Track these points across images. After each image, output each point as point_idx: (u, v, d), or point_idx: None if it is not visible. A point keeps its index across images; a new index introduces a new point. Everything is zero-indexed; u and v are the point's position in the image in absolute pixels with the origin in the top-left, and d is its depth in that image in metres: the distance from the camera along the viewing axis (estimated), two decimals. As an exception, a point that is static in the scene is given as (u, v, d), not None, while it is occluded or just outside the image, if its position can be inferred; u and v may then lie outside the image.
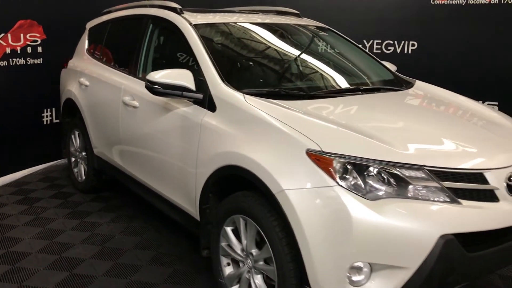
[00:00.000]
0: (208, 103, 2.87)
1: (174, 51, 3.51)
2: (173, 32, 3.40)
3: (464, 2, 6.56)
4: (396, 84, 3.53)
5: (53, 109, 5.50)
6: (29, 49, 5.13)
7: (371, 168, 2.21)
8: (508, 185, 2.36)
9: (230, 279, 2.75)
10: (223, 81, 2.88)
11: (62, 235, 3.81)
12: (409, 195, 2.19)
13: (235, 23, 3.60)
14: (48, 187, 4.89)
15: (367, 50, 7.20)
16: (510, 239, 2.34)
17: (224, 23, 3.55)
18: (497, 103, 6.45)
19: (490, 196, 2.32)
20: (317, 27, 4.05)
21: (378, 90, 3.32)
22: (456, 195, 2.24)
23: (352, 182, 2.18)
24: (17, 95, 5.09)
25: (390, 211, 2.11)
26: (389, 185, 2.19)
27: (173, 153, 3.12)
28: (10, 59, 4.95)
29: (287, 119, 2.47)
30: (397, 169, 2.21)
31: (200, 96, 2.91)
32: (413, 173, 2.21)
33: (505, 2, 6.14)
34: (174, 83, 2.89)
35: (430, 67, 6.82)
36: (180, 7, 3.53)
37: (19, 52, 5.02)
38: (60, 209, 4.34)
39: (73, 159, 4.85)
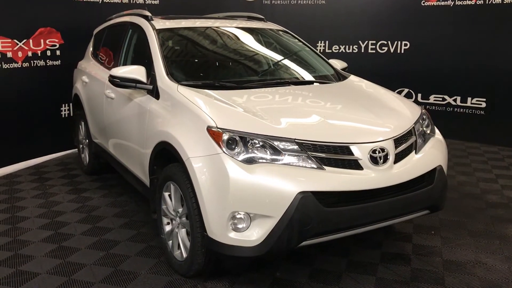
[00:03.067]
0: (155, 93, 3.56)
1: (144, 51, 4.23)
2: (143, 35, 4.11)
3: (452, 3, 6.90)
4: (329, 78, 4.09)
5: (70, 104, 6.37)
6: (48, 53, 6.02)
7: (253, 140, 2.81)
8: (371, 157, 2.89)
9: (168, 235, 3.41)
10: (167, 74, 3.56)
11: (59, 205, 4.61)
12: (281, 161, 2.77)
13: (194, 27, 4.28)
14: (60, 170, 5.75)
15: (349, 50, 7.69)
16: (371, 201, 2.86)
17: (184, 27, 4.24)
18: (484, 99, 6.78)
19: (355, 165, 2.87)
20: (275, 30, 4.65)
21: (308, 83, 3.91)
22: (322, 163, 2.80)
23: (236, 151, 2.79)
24: (39, 92, 5.98)
25: (262, 172, 2.71)
26: (266, 153, 2.79)
27: (133, 135, 3.84)
28: (32, 61, 5.85)
29: (200, 103, 3.12)
30: (273, 141, 2.80)
31: (150, 87, 3.60)
32: (285, 145, 2.80)
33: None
34: (129, 77, 3.60)
35: (423, 65, 7.22)
36: (150, 15, 4.25)
37: (39, 55, 5.91)
38: (64, 186, 5.16)
39: (80, 146, 5.68)
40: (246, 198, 2.71)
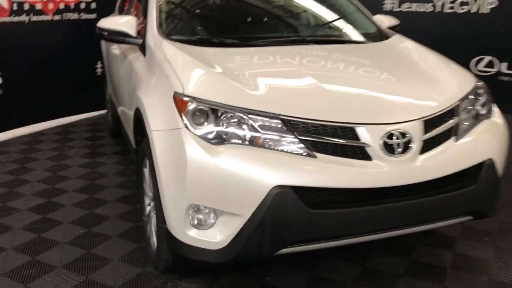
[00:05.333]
0: (145, 49, 2.98)
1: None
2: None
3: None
4: (366, 37, 3.26)
5: (105, 61, 6.01)
6: (82, 5, 5.63)
7: (226, 114, 2.16)
8: (386, 144, 2.13)
9: (147, 218, 2.89)
10: (158, 27, 2.95)
11: (67, 169, 4.26)
12: (258, 143, 2.11)
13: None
14: (87, 131, 5.44)
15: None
16: (379, 203, 2.13)
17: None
18: None
19: (360, 153, 2.13)
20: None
21: (334, 42, 3.12)
22: (314, 148, 2.10)
23: (206, 126, 2.16)
24: (72, 47, 5.63)
25: (230, 157, 2.07)
26: (240, 131, 2.13)
27: (125, 98, 3.32)
28: (64, 14, 5.49)
29: (176, 63, 2.50)
30: (251, 115, 2.13)
31: (140, 41, 3.03)
32: (267, 121, 2.12)
33: None
34: (117, 29, 3.04)
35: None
36: None
37: (72, 7, 5.53)
38: (83, 149, 4.82)
39: (108, 106, 5.31)
40: (208, 188, 2.09)
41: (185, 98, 2.22)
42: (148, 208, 2.88)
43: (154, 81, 2.58)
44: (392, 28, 3.66)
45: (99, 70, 6.00)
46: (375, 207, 2.12)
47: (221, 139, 2.12)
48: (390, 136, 2.15)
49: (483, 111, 2.57)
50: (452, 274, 2.73)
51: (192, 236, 2.17)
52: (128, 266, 2.79)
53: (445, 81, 2.61)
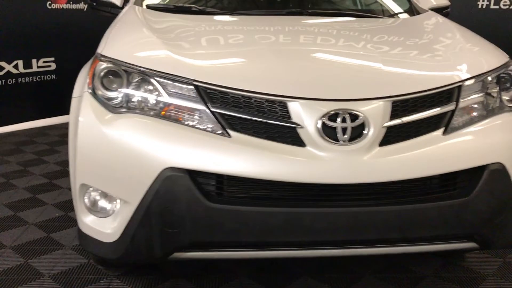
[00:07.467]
0: (125, 20, 2.71)
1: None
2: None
3: None
4: (388, 13, 2.66)
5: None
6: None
7: (137, 77, 1.77)
8: (325, 126, 1.57)
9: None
10: (140, -4, 2.66)
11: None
12: (163, 114, 1.68)
13: None
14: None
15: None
16: (300, 205, 1.57)
17: None
18: None
19: (290, 136, 1.60)
20: None
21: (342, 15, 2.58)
22: (231, 126, 1.62)
23: (116, 91, 1.78)
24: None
25: (122, 129, 1.68)
26: (149, 97, 1.73)
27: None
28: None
29: (116, 24, 2.20)
30: (162, 80, 1.71)
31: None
32: (178, 87, 1.69)
33: None
34: (101, -1, 2.82)
35: None
36: None
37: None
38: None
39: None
40: (98, 166, 1.70)
41: (102, 59, 1.86)
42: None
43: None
44: (442, 9, 2.98)
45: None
46: (303, 210, 1.56)
47: (127, 107, 1.73)
48: (333, 117, 1.58)
49: (508, 101, 1.86)
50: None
51: (88, 224, 1.80)
52: (75, 255, 2.49)
53: (455, 57, 1.95)
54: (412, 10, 2.73)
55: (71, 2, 5.12)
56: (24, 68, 4.83)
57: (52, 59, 5.04)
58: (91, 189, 1.76)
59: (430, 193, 1.66)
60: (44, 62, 5.00)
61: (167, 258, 1.67)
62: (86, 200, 1.79)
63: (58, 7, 5.02)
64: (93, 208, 1.79)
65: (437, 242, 1.74)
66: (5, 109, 4.74)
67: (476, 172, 1.66)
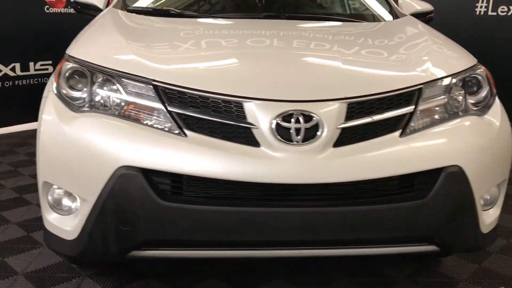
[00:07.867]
0: (106, 22, 2.75)
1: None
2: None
3: None
4: (364, 18, 2.69)
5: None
6: None
7: (100, 76, 1.80)
8: (279, 127, 1.59)
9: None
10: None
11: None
12: (123, 113, 1.71)
13: None
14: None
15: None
16: (252, 204, 1.59)
17: None
18: None
19: (245, 136, 1.62)
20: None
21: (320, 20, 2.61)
22: (187, 126, 1.64)
23: (84, 92, 1.82)
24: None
25: (82, 127, 1.72)
26: (110, 96, 1.76)
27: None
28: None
29: (90, 26, 2.23)
30: (123, 79, 1.75)
31: (105, 15, 2.79)
32: (137, 86, 1.73)
33: None
34: (85, 2, 2.86)
35: None
36: None
37: None
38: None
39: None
40: (59, 164, 1.74)
41: (68, 59, 1.91)
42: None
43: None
44: (425, 14, 2.99)
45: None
46: (255, 210, 1.58)
47: (89, 106, 1.77)
48: (288, 117, 1.60)
49: (473, 105, 1.86)
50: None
51: (51, 221, 1.83)
52: (52, 255, 2.51)
53: (418, 60, 1.95)
54: (392, 15, 2.74)
55: (69, 7, 5.20)
56: (21, 71, 4.91)
57: (50, 62, 5.12)
58: (54, 187, 1.80)
59: (386, 194, 1.66)
60: (41, 65, 5.08)
61: (125, 256, 1.69)
62: (50, 198, 1.82)
63: (56, 11, 5.11)
64: (56, 206, 1.82)
65: (396, 244, 1.74)
66: (1, 111, 4.81)
67: (433, 175, 1.67)
